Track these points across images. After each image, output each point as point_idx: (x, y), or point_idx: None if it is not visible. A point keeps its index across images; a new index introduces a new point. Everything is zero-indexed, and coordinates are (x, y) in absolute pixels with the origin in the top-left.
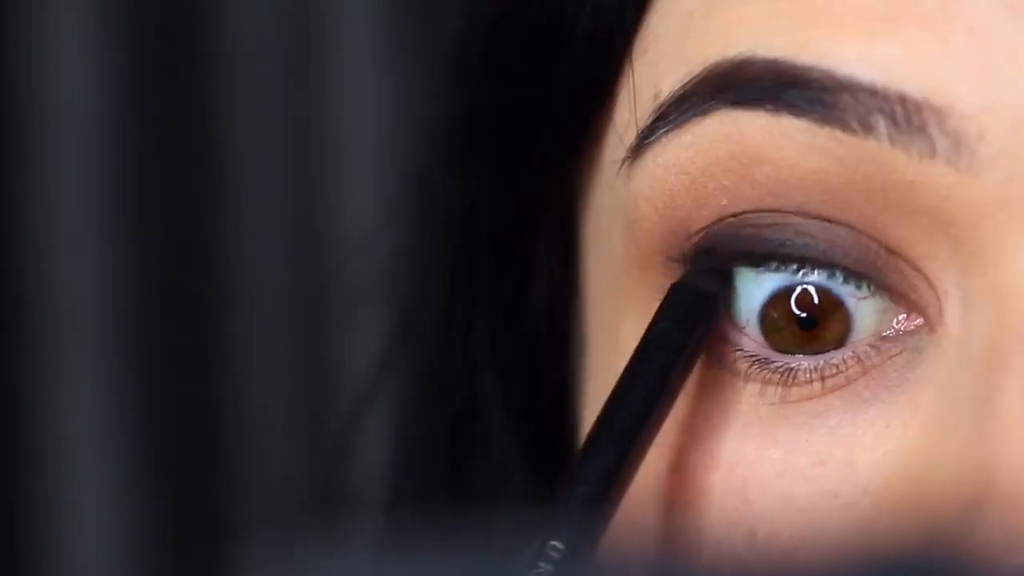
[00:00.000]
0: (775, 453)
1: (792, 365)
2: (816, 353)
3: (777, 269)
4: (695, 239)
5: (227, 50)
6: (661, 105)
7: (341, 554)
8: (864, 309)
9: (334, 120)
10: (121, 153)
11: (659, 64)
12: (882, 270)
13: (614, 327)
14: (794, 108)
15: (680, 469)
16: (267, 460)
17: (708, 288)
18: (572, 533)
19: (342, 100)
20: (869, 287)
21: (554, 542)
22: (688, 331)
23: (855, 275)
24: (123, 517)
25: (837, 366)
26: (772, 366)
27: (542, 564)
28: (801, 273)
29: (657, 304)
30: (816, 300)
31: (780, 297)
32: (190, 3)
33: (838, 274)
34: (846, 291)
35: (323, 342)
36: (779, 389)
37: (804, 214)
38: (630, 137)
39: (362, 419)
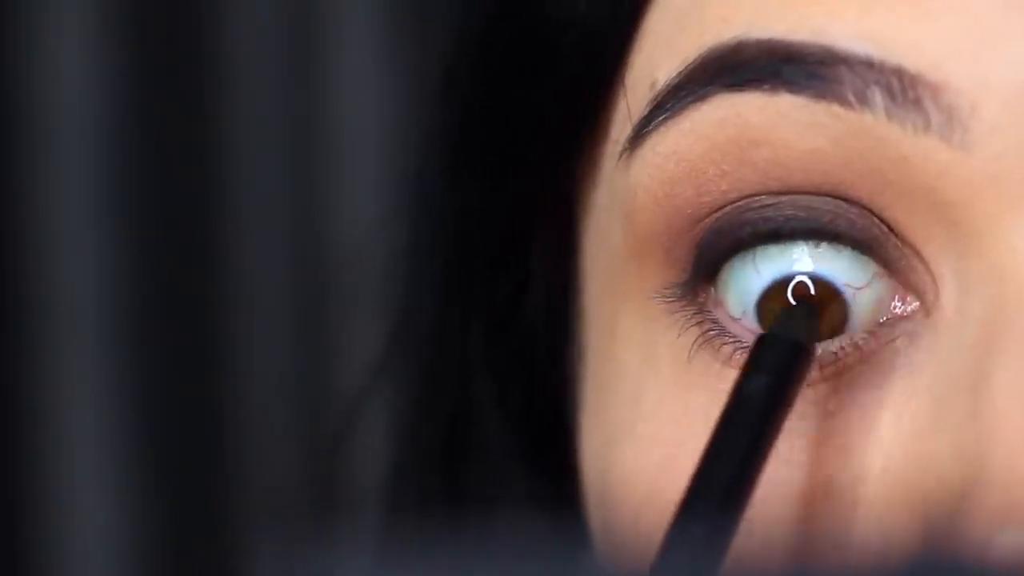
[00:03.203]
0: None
1: None
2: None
3: (782, 244)
4: (696, 232)
5: (227, 50)
6: (658, 95)
7: (344, 555)
8: (861, 299)
9: (334, 120)
10: (121, 153)
11: (654, 56)
12: (884, 246)
13: (612, 323)
14: (791, 84)
15: (680, 460)
16: (267, 460)
17: (799, 338)
18: None
19: (342, 100)
20: (871, 258)
21: None
22: (785, 386)
23: (860, 246)
24: (123, 517)
25: (835, 353)
26: None
27: None
28: (802, 255)
29: (655, 299)
30: (812, 291)
31: (777, 288)
32: (190, 3)
33: (842, 249)
34: (843, 282)
35: (323, 342)
36: None
37: (805, 193)
38: (628, 131)
39: (361, 420)
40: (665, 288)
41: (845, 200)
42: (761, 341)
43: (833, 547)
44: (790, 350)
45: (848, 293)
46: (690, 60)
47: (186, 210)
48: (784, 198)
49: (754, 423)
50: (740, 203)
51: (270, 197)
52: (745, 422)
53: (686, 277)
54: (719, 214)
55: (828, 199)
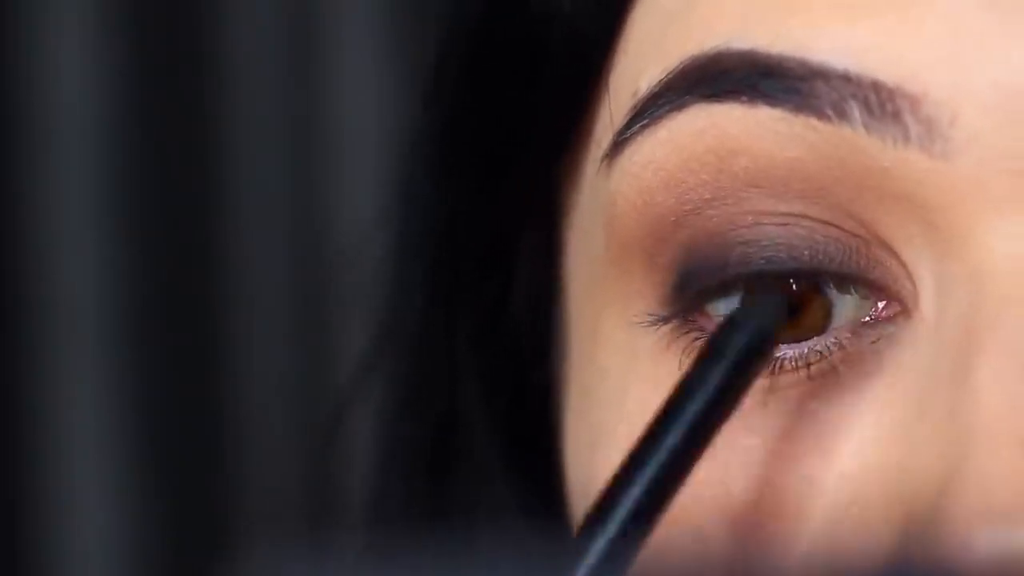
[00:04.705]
0: (754, 441)
1: (777, 355)
2: (798, 341)
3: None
4: (679, 236)
5: (227, 50)
6: (638, 102)
7: (335, 556)
8: (843, 298)
9: (334, 120)
10: (121, 153)
11: (639, 62)
12: (864, 268)
13: (594, 327)
14: (769, 98)
15: None
16: (267, 460)
17: (766, 325)
18: None
19: (342, 100)
20: (853, 289)
21: None
22: (741, 375)
23: (840, 279)
24: (123, 517)
25: (821, 353)
26: None
27: None
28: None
29: (635, 301)
30: (795, 287)
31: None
32: (190, 3)
33: (826, 281)
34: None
35: (323, 342)
36: (766, 380)
37: (786, 214)
38: (610, 136)
39: (353, 421)
40: (648, 313)
41: (823, 222)
42: (725, 322)
43: (813, 546)
44: (752, 336)
45: (831, 292)
46: (671, 68)
47: (186, 210)
48: (764, 232)
49: (695, 407)
50: (723, 215)
51: (270, 197)
52: (687, 405)
53: (668, 312)
54: (704, 221)
55: (809, 227)
